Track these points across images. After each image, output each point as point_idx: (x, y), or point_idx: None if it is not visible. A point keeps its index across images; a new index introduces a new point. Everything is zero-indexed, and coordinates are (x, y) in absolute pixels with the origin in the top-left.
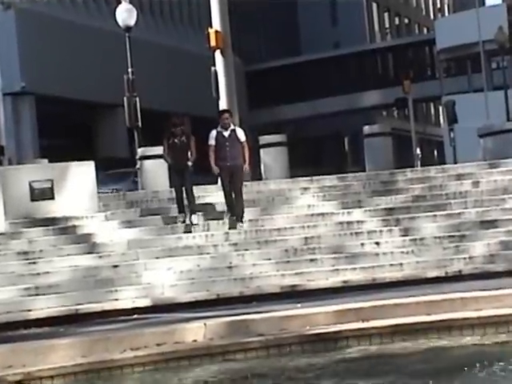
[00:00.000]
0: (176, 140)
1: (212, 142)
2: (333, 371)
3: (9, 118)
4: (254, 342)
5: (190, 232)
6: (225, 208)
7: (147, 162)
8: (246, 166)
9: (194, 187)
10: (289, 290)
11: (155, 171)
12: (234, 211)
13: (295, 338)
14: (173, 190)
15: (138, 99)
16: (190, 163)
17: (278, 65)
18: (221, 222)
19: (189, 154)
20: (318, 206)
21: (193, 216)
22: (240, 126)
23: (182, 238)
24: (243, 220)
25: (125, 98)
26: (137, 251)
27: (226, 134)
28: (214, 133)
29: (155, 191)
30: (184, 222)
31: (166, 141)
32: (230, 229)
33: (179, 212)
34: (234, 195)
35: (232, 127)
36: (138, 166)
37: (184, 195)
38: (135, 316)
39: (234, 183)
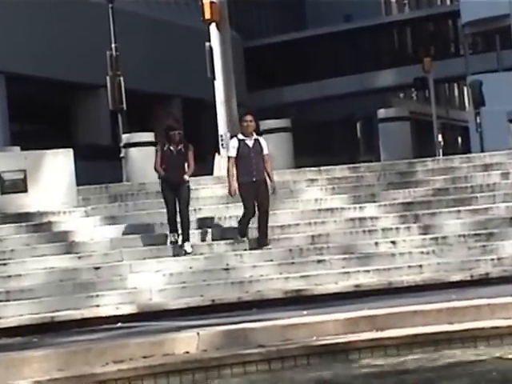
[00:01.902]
0: (172, 148)
1: (233, 153)
2: None
3: None
4: (253, 354)
5: (178, 255)
6: (239, 227)
7: (133, 150)
8: (273, 185)
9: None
10: (293, 295)
11: (142, 160)
12: (261, 236)
13: (300, 349)
14: (166, 205)
15: (122, 79)
16: (186, 177)
17: (280, 40)
18: (230, 241)
19: (185, 166)
20: (327, 200)
21: (186, 244)
22: (238, 110)
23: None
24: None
25: (107, 78)
26: (121, 251)
27: (250, 143)
28: (235, 142)
29: (142, 183)
30: (175, 242)
31: (160, 148)
32: (251, 249)
33: (170, 231)
34: (259, 215)
35: (255, 135)
36: (122, 155)
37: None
38: (119, 324)
39: (262, 202)
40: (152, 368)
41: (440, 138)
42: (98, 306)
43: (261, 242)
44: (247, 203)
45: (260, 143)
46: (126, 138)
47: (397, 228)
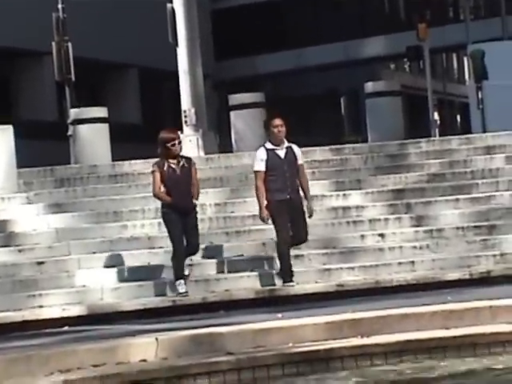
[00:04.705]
0: (173, 166)
1: (261, 166)
2: None
3: None
4: (221, 363)
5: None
6: (276, 261)
7: (82, 128)
8: (310, 206)
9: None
10: (267, 295)
11: (93, 139)
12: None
13: (274, 357)
14: (173, 241)
15: (70, 45)
16: (196, 202)
17: (254, 2)
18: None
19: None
20: None
21: (177, 282)
22: (204, 82)
23: (128, 226)
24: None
25: (53, 44)
26: (68, 244)
27: (282, 152)
28: (262, 153)
29: (93, 166)
30: (186, 294)
31: (158, 168)
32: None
33: (178, 277)
34: (294, 244)
35: (286, 143)
36: (70, 133)
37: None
38: (66, 328)
39: (298, 225)
40: (103, 378)
41: (436, 115)
42: (41, 306)
43: (284, 278)
44: (281, 223)
45: (294, 152)
46: (74, 113)
47: (386, 219)
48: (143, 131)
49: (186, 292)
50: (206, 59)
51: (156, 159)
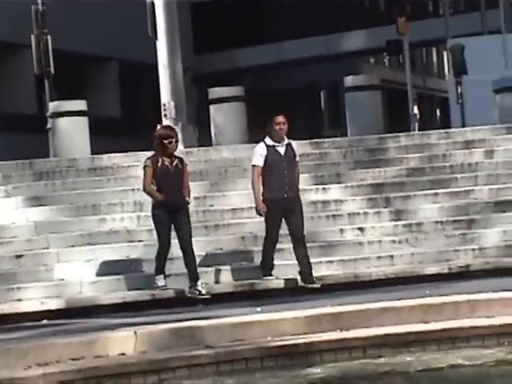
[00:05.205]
0: (167, 164)
1: (259, 161)
2: None
3: None
4: (200, 357)
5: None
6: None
7: (62, 121)
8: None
9: None
10: (246, 288)
11: (72, 133)
12: (303, 274)
13: (253, 351)
14: (159, 240)
15: (49, 38)
16: (189, 200)
17: None
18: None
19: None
20: None
21: (199, 283)
22: (184, 76)
23: (107, 220)
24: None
25: (32, 37)
26: (47, 237)
27: (282, 150)
28: (262, 148)
29: (72, 159)
30: (165, 287)
31: (153, 164)
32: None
33: (158, 272)
34: (293, 246)
35: (286, 139)
36: (49, 126)
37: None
38: (44, 321)
39: (295, 223)
40: (82, 372)
41: (416, 110)
42: (19, 300)
43: (306, 279)
44: (271, 227)
45: (293, 149)
46: (53, 106)
47: (365, 213)
48: (122, 124)
49: (165, 286)
50: (186, 53)
51: (137, 152)
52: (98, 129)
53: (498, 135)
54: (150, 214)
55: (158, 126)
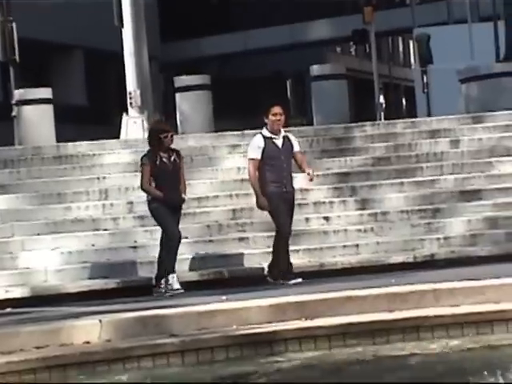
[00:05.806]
0: (165, 160)
1: (257, 154)
2: None
3: None
4: (165, 345)
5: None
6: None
7: (27, 109)
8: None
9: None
10: (211, 277)
11: (37, 120)
12: (285, 264)
13: (218, 339)
14: (167, 229)
15: (14, 25)
16: (185, 197)
17: None
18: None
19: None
20: None
21: (171, 276)
22: (150, 64)
23: (72, 208)
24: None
25: None
26: (12, 225)
27: (279, 142)
28: (259, 140)
29: (37, 147)
30: (178, 290)
31: (151, 161)
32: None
33: (168, 271)
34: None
35: (283, 131)
36: (14, 113)
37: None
38: (8, 310)
39: (290, 220)
40: (46, 360)
41: (382, 99)
42: None
43: (279, 276)
44: (280, 215)
45: (291, 141)
46: (18, 94)
47: (330, 202)
48: (88, 112)
49: (180, 288)
50: (152, 41)
51: (103, 140)
52: (63, 117)
53: (464, 125)
54: (113, 202)
55: (152, 122)
